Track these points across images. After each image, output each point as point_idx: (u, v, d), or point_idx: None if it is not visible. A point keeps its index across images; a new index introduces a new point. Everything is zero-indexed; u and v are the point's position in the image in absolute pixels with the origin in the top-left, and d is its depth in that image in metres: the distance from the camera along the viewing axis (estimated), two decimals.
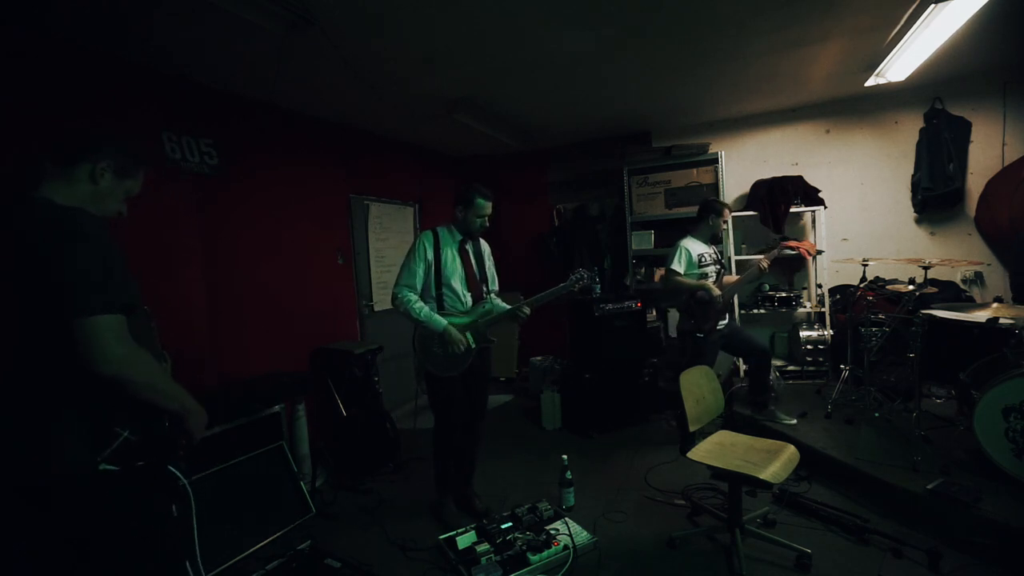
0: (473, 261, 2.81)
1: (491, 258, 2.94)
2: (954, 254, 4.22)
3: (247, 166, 3.45)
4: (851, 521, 2.51)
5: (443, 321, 2.62)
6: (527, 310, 2.70)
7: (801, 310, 4.57)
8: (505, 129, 4.66)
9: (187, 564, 1.59)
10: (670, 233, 4.54)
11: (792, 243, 3.45)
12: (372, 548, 2.66)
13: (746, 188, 4.80)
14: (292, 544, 2.56)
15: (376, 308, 4.59)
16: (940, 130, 4.16)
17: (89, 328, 1.24)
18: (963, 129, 4.14)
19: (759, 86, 4.00)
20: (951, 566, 2.21)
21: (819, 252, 4.38)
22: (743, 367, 4.47)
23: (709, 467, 2.32)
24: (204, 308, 3.15)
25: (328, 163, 4.18)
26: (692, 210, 3.85)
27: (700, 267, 3.40)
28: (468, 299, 2.75)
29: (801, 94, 4.32)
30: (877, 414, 3.29)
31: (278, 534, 2.72)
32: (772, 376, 3.76)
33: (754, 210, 4.65)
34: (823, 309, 4.45)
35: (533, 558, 2.35)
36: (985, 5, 2.57)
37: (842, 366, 3.84)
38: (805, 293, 4.69)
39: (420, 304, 2.64)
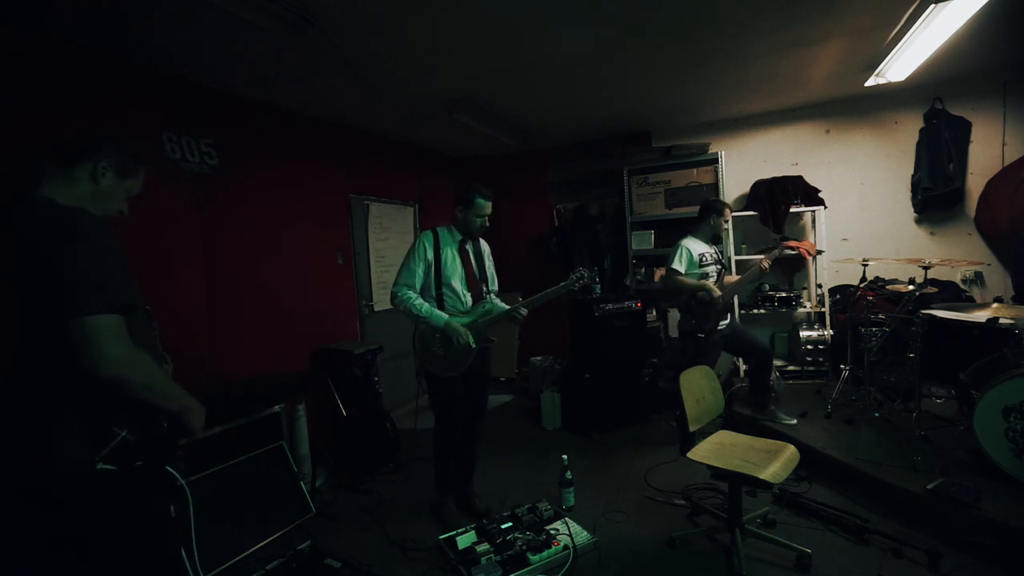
0: (473, 261, 2.81)
1: (491, 258, 2.94)
2: (954, 254, 4.22)
3: (247, 166, 3.45)
4: (851, 521, 2.51)
5: (443, 316, 2.62)
6: (524, 311, 2.70)
7: (801, 310, 4.57)
8: (505, 129, 4.66)
9: (187, 564, 1.59)
10: (670, 233, 4.54)
11: (792, 243, 3.45)
12: (372, 548, 2.66)
13: (746, 188, 4.80)
14: (292, 544, 2.56)
15: (376, 308, 4.59)
16: (940, 130, 4.16)
17: (87, 328, 1.24)
18: (963, 129, 4.14)
19: (759, 86, 4.00)
20: (951, 566, 2.21)
21: (819, 252, 4.38)
22: (743, 367, 4.48)
23: (709, 467, 2.32)
24: (204, 308, 3.16)
25: (328, 163, 4.18)
26: (692, 210, 3.85)
27: (701, 267, 3.40)
28: (468, 299, 2.75)
29: (801, 94, 4.32)
30: (877, 414, 3.29)
31: (278, 534, 2.72)
32: (772, 376, 3.76)
33: (754, 210, 4.65)
34: (823, 309, 4.45)
35: (533, 558, 2.35)
36: (985, 5, 2.57)
37: (842, 366, 3.84)
38: (805, 293, 4.69)
39: (420, 300, 2.64)
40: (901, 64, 3.40)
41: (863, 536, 2.44)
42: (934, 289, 3.68)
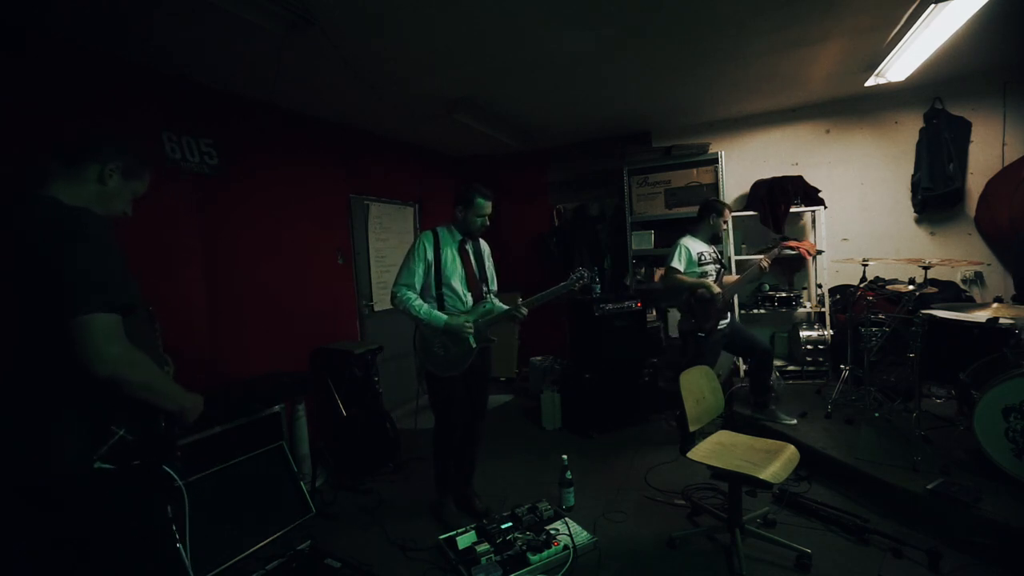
0: (473, 261, 2.81)
1: (491, 258, 2.94)
2: (954, 254, 4.22)
3: (247, 166, 3.45)
4: (851, 521, 2.51)
5: (442, 317, 2.63)
6: (524, 311, 2.70)
7: (801, 310, 4.56)
8: (505, 129, 4.66)
9: (187, 564, 1.59)
10: (670, 233, 4.53)
11: (792, 243, 3.45)
12: (372, 548, 2.66)
13: (746, 188, 4.80)
14: (292, 544, 2.56)
15: (376, 308, 4.59)
16: (940, 130, 4.16)
17: (84, 327, 1.24)
18: (963, 129, 4.14)
19: (759, 86, 4.00)
20: (951, 566, 2.21)
21: (819, 252, 4.38)
22: (743, 367, 4.48)
23: (709, 467, 2.32)
24: (204, 308, 3.16)
25: (328, 163, 4.18)
26: (692, 210, 3.85)
27: (700, 265, 3.40)
28: (468, 299, 2.75)
29: (801, 94, 4.32)
30: (877, 414, 3.29)
31: (278, 534, 2.72)
32: (772, 376, 3.76)
33: (754, 210, 4.65)
34: (823, 309, 4.45)
35: (533, 558, 2.35)
36: (985, 5, 2.57)
37: (842, 366, 3.84)
38: (805, 293, 4.69)
39: (420, 302, 2.65)
40: (901, 64, 3.40)
41: (863, 536, 2.44)
42: (934, 289, 3.68)
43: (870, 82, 3.80)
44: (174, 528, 1.53)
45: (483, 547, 2.43)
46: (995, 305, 2.91)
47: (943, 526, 2.38)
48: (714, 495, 2.91)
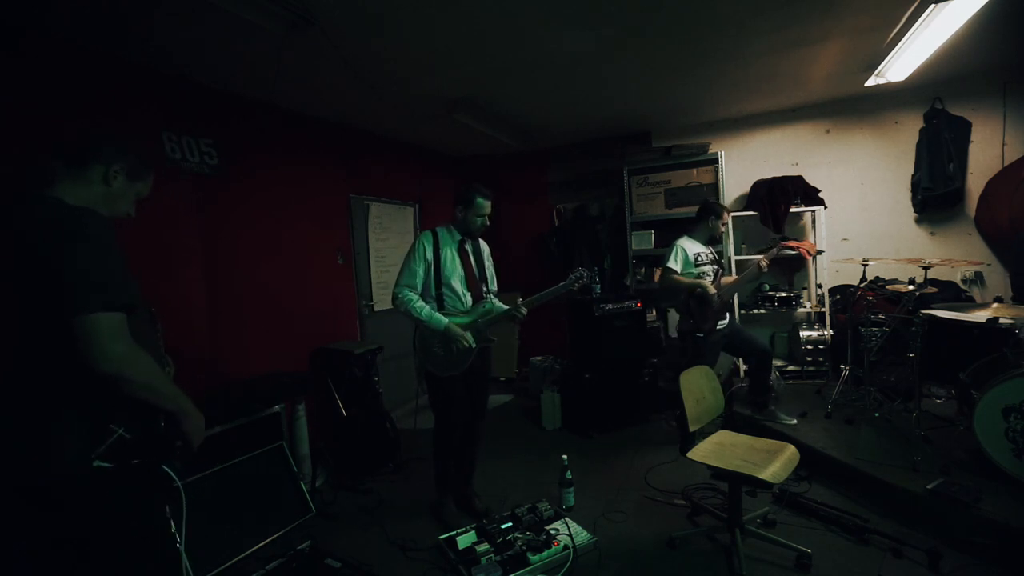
0: (473, 261, 2.81)
1: (490, 258, 2.94)
2: (954, 254, 4.22)
3: (247, 166, 3.45)
4: (851, 521, 2.51)
5: (443, 320, 2.62)
6: (524, 311, 2.71)
7: (801, 310, 4.57)
8: (505, 129, 4.66)
9: (187, 564, 1.59)
10: (670, 233, 4.51)
11: (792, 243, 3.45)
12: (372, 548, 2.66)
13: (746, 188, 4.80)
14: (292, 544, 2.56)
15: (376, 308, 4.59)
16: (940, 130, 4.16)
17: (88, 326, 1.24)
18: (963, 129, 4.14)
19: (759, 86, 4.00)
20: (951, 566, 2.21)
21: (819, 252, 4.38)
22: (743, 367, 4.48)
23: (709, 467, 2.32)
24: (204, 308, 3.15)
25: (328, 163, 4.18)
26: (692, 210, 3.85)
27: (697, 266, 3.40)
28: (468, 299, 2.75)
29: (801, 94, 4.32)
30: (877, 414, 3.29)
31: (278, 534, 2.72)
32: (772, 376, 3.76)
33: (754, 210, 4.65)
34: (823, 309, 4.45)
35: (533, 558, 2.35)
36: (985, 5, 2.57)
37: (842, 366, 3.84)
38: (805, 293, 4.69)
39: (421, 303, 2.65)
40: (901, 64, 3.40)
41: (863, 536, 2.44)
42: (934, 289, 3.68)
43: (870, 82, 3.80)
44: (173, 528, 1.53)
45: (483, 547, 2.43)
46: (995, 305, 2.92)
47: (943, 526, 2.38)
48: (714, 495, 2.91)
